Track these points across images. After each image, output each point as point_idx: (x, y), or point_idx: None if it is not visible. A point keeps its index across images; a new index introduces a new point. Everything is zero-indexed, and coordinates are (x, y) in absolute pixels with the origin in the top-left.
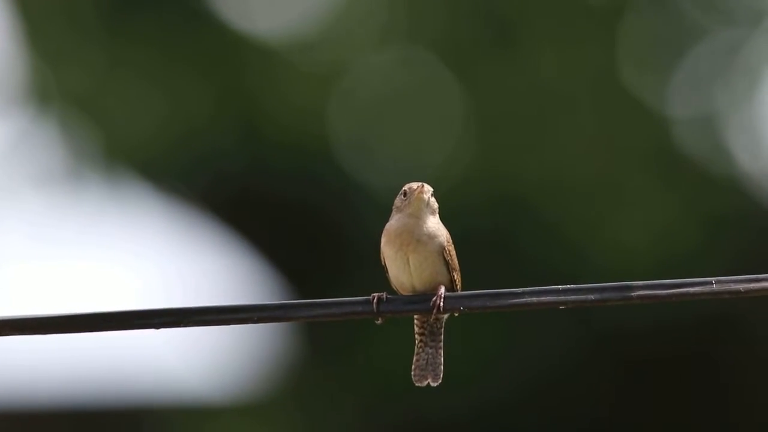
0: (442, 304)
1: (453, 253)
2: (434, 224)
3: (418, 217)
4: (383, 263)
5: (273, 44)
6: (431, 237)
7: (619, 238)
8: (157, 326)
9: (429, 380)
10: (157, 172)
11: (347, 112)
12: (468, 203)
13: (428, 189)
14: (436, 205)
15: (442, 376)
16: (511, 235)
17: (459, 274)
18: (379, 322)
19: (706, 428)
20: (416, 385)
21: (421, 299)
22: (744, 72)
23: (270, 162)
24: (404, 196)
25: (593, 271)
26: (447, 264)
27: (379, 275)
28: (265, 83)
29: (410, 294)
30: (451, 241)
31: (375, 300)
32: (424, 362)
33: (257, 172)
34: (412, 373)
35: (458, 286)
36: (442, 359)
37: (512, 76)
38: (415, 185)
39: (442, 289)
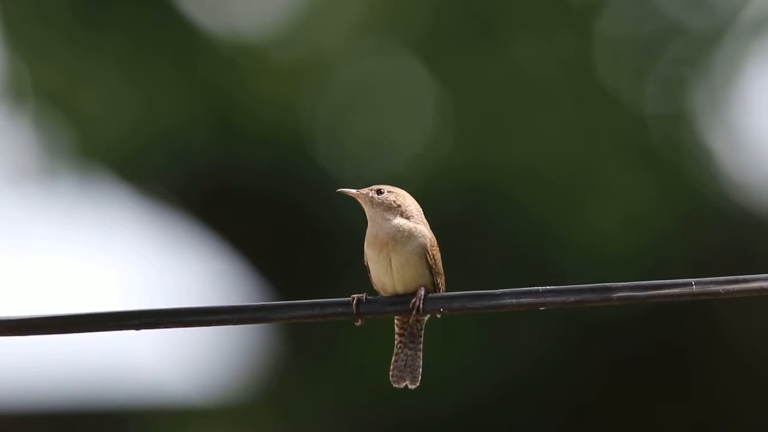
0: (421, 305)
1: (437, 257)
2: (407, 224)
3: (374, 219)
4: (366, 264)
5: (248, 39)
6: (408, 236)
7: (593, 225)
8: (136, 327)
9: (407, 382)
10: (132, 169)
11: (323, 105)
12: (444, 192)
13: (367, 190)
14: (390, 200)
15: (420, 378)
16: (487, 223)
17: (443, 278)
18: (358, 323)
19: (689, 424)
20: (393, 386)
21: (401, 300)
22: (720, 66)
23: (246, 158)
24: None
25: (567, 259)
26: (431, 268)
27: (360, 272)
28: (241, 79)
29: (391, 296)
30: (436, 245)
31: (355, 301)
32: (403, 363)
33: (233, 169)
34: (390, 373)
35: (442, 290)
36: (421, 362)
37: (488, 66)
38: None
39: (422, 290)
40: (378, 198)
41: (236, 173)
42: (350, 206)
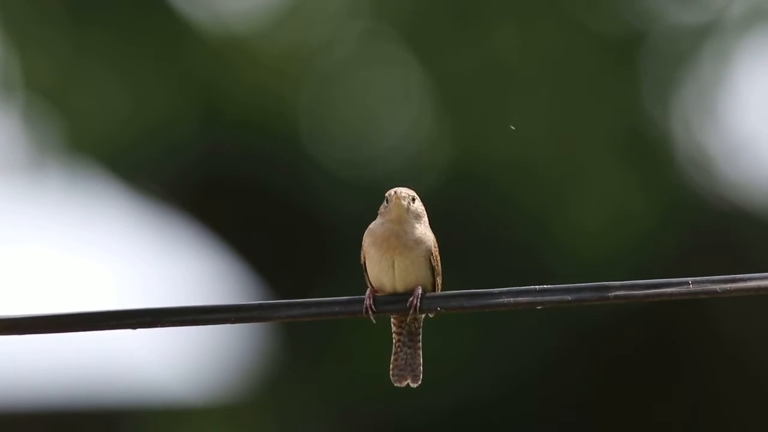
0: (418, 304)
1: (439, 258)
2: (421, 230)
3: (401, 224)
4: (363, 262)
5: (235, 30)
6: (418, 242)
7: (581, 221)
8: (134, 326)
9: (408, 381)
10: (122, 164)
11: (311, 94)
12: (431, 180)
13: (406, 194)
14: (420, 209)
15: (422, 377)
16: (471, 212)
17: (441, 277)
18: (373, 320)
19: (685, 422)
20: (395, 385)
21: (398, 299)
22: (709, 61)
23: (236, 150)
24: (386, 203)
25: (553, 250)
26: (432, 269)
27: (355, 266)
28: (229, 70)
29: (389, 294)
30: (437, 245)
31: (372, 300)
32: (403, 362)
33: (224, 163)
34: (391, 373)
35: (439, 289)
36: (421, 360)
37: (474, 54)
38: (393, 191)
39: (419, 290)
40: (413, 206)
41: (227, 166)
42: (344, 199)
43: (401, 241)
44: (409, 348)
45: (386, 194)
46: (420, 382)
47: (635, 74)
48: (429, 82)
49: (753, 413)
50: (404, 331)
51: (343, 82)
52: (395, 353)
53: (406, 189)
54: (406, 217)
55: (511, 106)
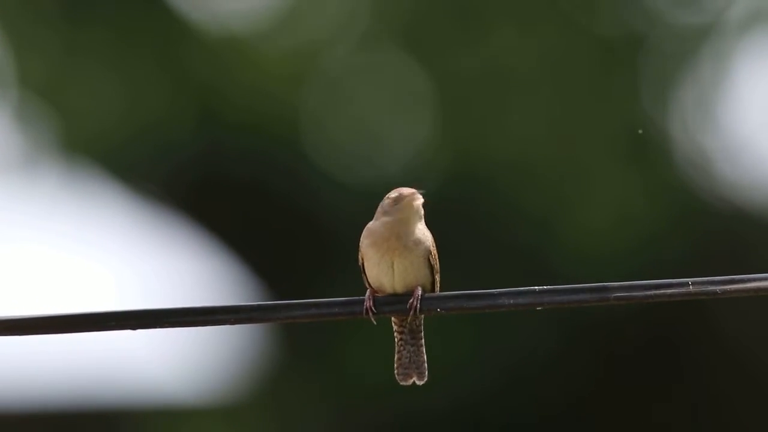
0: (418, 305)
1: (437, 256)
2: (420, 230)
3: (407, 225)
4: (361, 263)
5: (235, 31)
6: (417, 243)
7: (584, 222)
8: (134, 327)
9: (414, 378)
10: (118, 163)
11: (310, 97)
12: (431, 181)
13: (420, 196)
14: (422, 211)
15: (427, 374)
16: (471, 213)
17: (439, 275)
18: (374, 321)
19: (682, 421)
20: (401, 384)
21: (397, 300)
22: (710, 62)
23: (233, 151)
24: (394, 201)
25: (554, 250)
26: (431, 267)
27: (353, 268)
28: (228, 71)
29: (388, 295)
30: (434, 244)
31: (371, 302)
32: (407, 360)
33: (220, 163)
34: (396, 371)
35: (437, 289)
36: (425, 357)
37: (474, 55)
38: (406, 191)
39: (419, 291)
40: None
41: (225, 166)
42: (341, 200)
43: (401, 242)
44: (412, 346)
45: (395, 193)
46: (426, 379)
47: (635, 75)
48: (429, 83)
49: (753, 413)
50: (406, 330)
51: (342, 84)
52: (398, 352)
53: (414, 190)
54: (413, 218)
55: (511, 106)
